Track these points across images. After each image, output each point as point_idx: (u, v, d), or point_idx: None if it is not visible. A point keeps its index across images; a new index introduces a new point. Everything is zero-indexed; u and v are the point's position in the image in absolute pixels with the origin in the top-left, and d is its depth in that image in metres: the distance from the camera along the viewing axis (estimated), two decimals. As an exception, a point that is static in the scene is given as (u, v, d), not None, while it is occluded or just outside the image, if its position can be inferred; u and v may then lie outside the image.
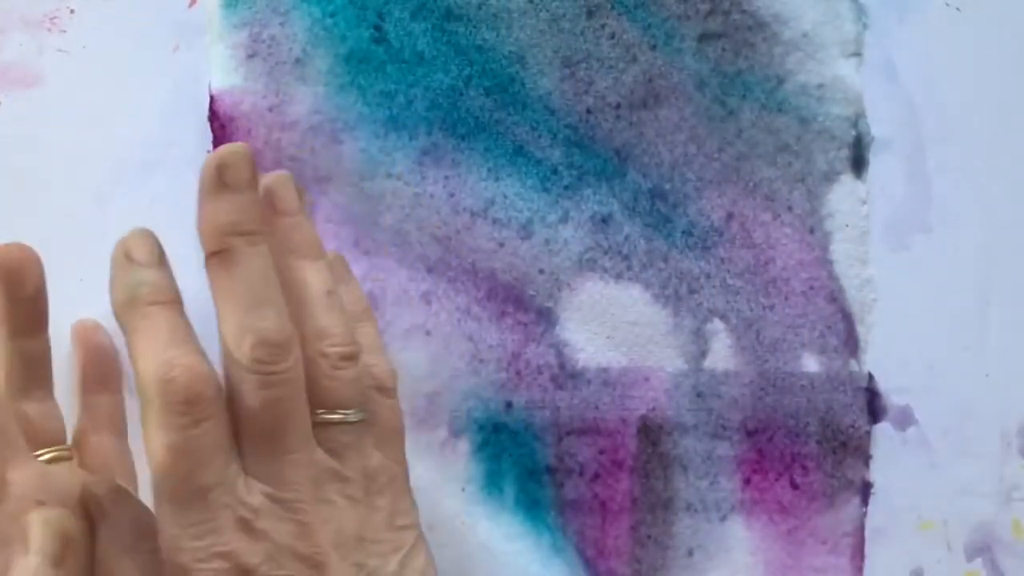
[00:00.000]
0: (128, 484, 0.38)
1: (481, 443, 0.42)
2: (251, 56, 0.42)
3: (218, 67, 0.42)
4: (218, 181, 0.33)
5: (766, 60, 0.42)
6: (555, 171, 0.42)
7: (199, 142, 0.42)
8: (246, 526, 0.31)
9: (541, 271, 0.42)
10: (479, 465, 0.42)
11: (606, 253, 0.42)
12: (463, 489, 0.42)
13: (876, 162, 0.42)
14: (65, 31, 0.42)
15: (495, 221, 0.42)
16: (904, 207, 0.42)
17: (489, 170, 0.42)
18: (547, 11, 0.42)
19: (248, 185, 0.33)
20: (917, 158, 0.42)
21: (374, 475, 0.34)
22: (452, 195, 0.42)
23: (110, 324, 0.40)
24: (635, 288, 0.42)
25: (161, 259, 0.33)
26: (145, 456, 0.31)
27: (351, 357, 0.34)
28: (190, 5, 0.42)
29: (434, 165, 0.42)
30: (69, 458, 0.35)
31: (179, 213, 0.43)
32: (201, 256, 0.42)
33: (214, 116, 0.42)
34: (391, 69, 0.42)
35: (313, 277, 0.34)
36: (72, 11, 0.42)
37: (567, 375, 0.42)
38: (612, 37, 0.42)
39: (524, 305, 0.42)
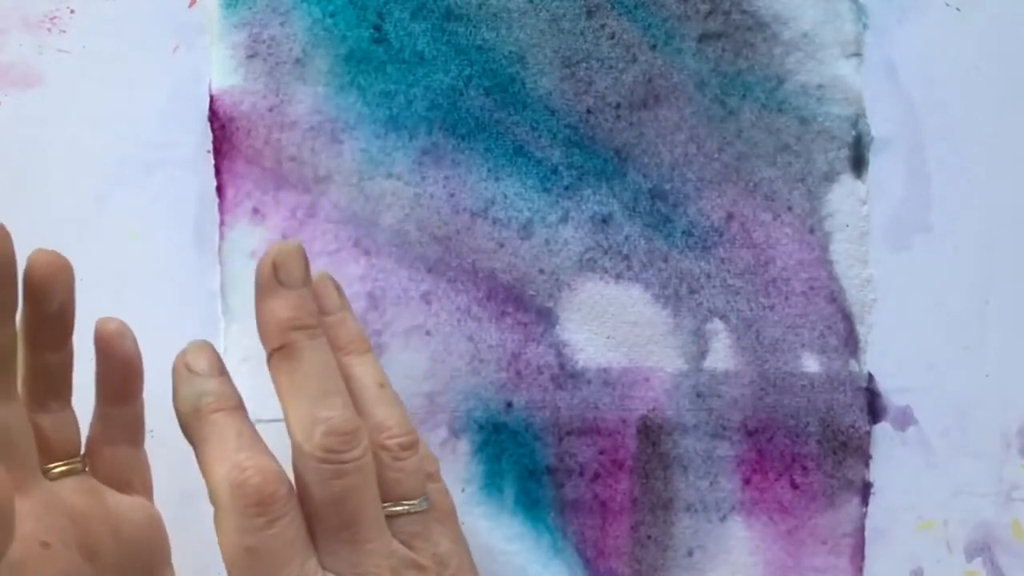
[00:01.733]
0: (143, 495, 0.38)
1: (481, 443, 0.42)
2: (251, 56, 0.42)
3: (218, 67, 0.42)
4: (274, 279, 0.34)
5: (766, 60, 0.42)
6: (555, 171, 0.42)
7: (199, 142, 0.42)
8: None
9: (541, 271, 0.42)
10: (479, 465, 0.42)
11: (606, 253, 0.42)
12: (463, 489, 0.42)
13: (876, 162, 0.42)
14: (65, 31, 0.42)
15: (495, 221, 0.42)
16: (904, 207, 0.42)
17: (489, 170, 0.42)
18: (547, 11, 0.42)
19: (303, 282, 0.34)
20: (917, 158, 0.42)
21: (446, 561, 0.35)
22: (452, 195, 0.42)
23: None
24: (635, 288, 0.42)
25: (221, 368, 0.34)
26: (222, 557, 0.32)
27: (411, 447, 0.35)
28: (190, 5, 0.42)
29: (434, 165, 0.42)
30: (82, 470, 0.35)
31: (179, 213, 0.43)
32: (199, 254, 0.43)
33: (214, 116, 0.42)
34: (391, 69, 0.42)
35: (363, 371, 0.35)
36: (72, 11, 0.42)
37: (567, 375, 0.42)
38: (612, 37, 0.42)
39: (524, 305, 0.42)
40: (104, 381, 0.36)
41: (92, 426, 0.36)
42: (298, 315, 0.34)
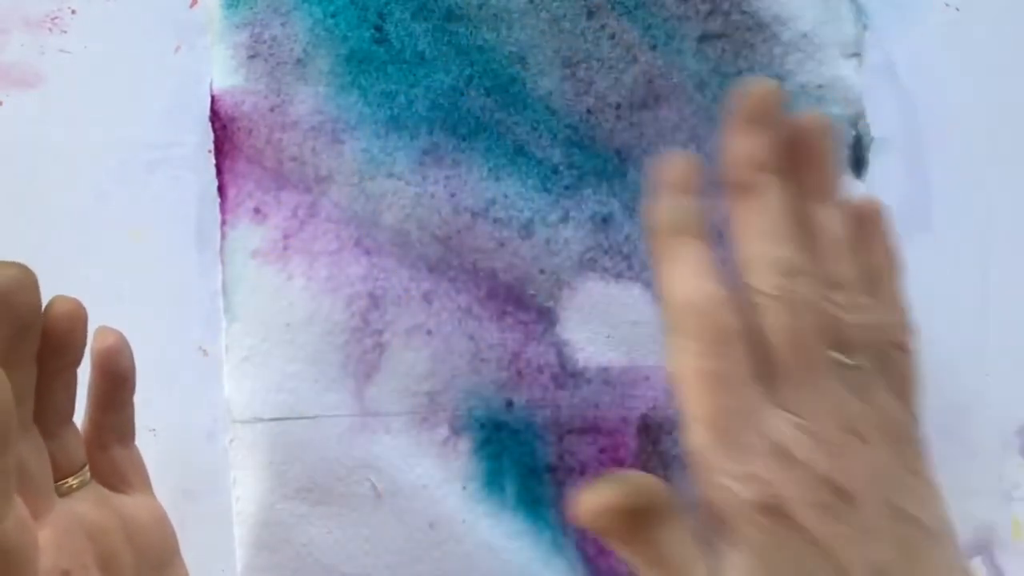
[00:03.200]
0: (143, 491, 0.38)
1: (482, 442, 0.42)
2: (252, 56, 0.42)
3: (219, 67, 0.42)
4: (754, 117, 0.34)
5: (766, 61, 0.42)
6: (556, 171, 0.42)
7: (200, 142, 0.42)
8: (779, 454, 0.31)
9: (542, 271, 0.42)
10: (480, 463, 0.42)
11: (606, 253, 0.42)
12: (464, 487, 0.42)
13: (876, 162, 0.42)
14: (66, 31, 0.42)
15: (496, 221, 0.42)
16: (904, 207, 0.42)
17: (490, 170, 0.42)
18: (548, 12, 0.42)
19: (776, 121, 0.34)
20: (917, 158, 0.42)
21: (890, 421, 0.33)
22: (453, 195, 0.42)
23: (119, 322, 0.40)
24: (635, 287, 0.42)
25: (699, 189, 0.34)
26: (671, 375, 0.32)
27: (862, 305, 0.33)
28: (191, 5, 0.42)
29: (435, 165, 0.42)
30: (90, 480, 0.36)
31: (180, 212, 0.43)
32: (201, 253, 0.43)
33: (215, 116, 0.42)
34: (392, 69, 0.42)
35: (829, 222, 0.34)
36: (73, 11, 0.42)
37: (568, 374, 0.42)
38: (612, 38, 0.42)
39: (525, 304, 0.42)
40: (98, 391, 0.36)
41: (85, 430, 0.37)
42: (767, 156, 0.34)
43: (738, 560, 0.30)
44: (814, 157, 0.35)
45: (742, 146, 0.34)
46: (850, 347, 0.33)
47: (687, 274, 0.32)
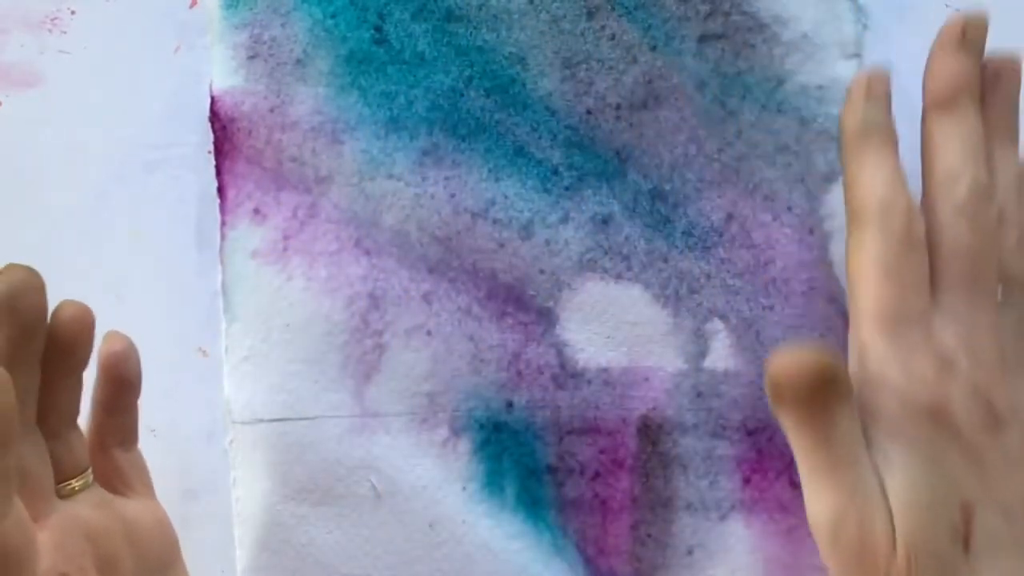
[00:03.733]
0: (145, 494, 0.38)
1: (482, 442, 0.42)
2: (252, 57, 0.42)
3: (219, 68, 0.42)
4: (961, 40, 0.35)
5: (766, 61, 0.42)
6: (555, 172, 0.42)
7: (200, 142, 0.42)
8: (944, 362, 0.32)
9: (541, 271, 0.42)
10: (480, 464, 0.42)
11: (606, 253, 0.42)
12: (464, 488, 0.42)
13: (876, 162, 0.42)
14: (66, 32, 0.42)
15: (496, 221, 0.42)
16: (904, 207, 0.42)
17: (490, 171, 0.42)
18: (547, 12, 0.42)
19: (981, 51, 0.35)
20: (917, 158, 0.42)
21: None
22: (453, 195, 0.42)
23: (119, 322, 0.40)
24: (635, 288, 0.42)
25: (890, 101, 0.36)
26: (848, 272, 0.34)
27: None
28: (191, 6, 0.42)
29: (435, 166, 0.42)
30: (93, 482, 0.36)
31: (180, 213, 0.43)
32: (200, 254, 0.43)
33: (215, 117, 0.42)
34: (392, 70, 0.42)
35: (1004, 162, 0.35)
36: (73, 12, 0.42)
37: (568, 375, 0.42)
38: (612, 38, 0.42)
39: (525, 305, 0.42)
40: (103, 395, 0.37)
41: (88, 433, 0.37)
42: (970, 80, 0.35)
43: (903, 459, 0.31)
44: (1004, 96, 0.36)
45: (949, 65, 0.35)
46: (1012, 284, 0.34)
47: (879, 174, 0.34)
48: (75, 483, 0.35)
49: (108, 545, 0.34)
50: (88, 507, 0.34)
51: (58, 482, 0.34)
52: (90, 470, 0.36)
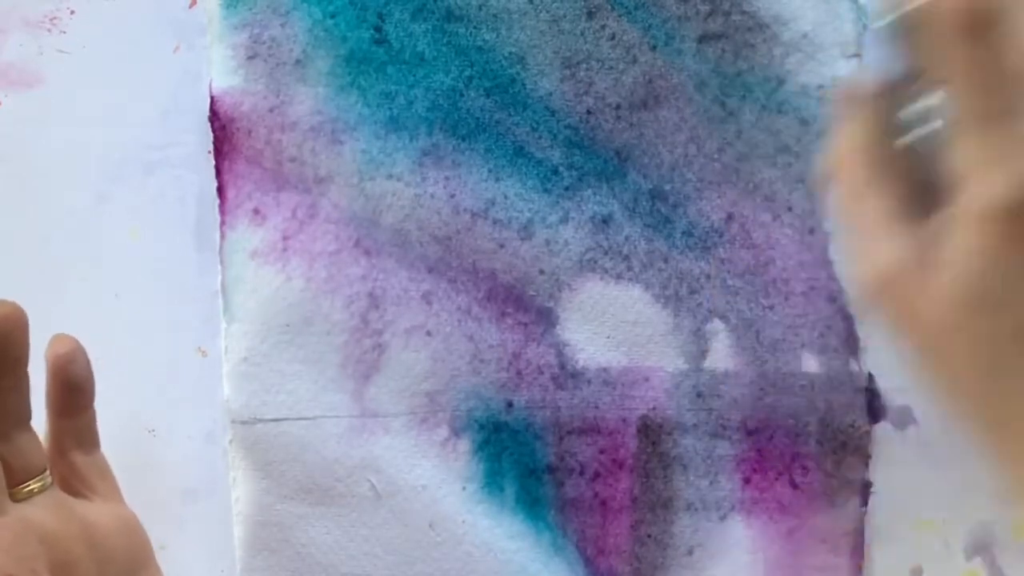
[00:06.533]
0: (109, 497, 0.38)
1: (482, 442, 0.42)
2: (251, 57, 0.41)
3: (218, 68, 0.42)
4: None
5: (766, 61, 0.42)
6: (555, 172, 0.42)
7: (200, 143, 0.42)
8: None
9: (541, 271, 0.42)
10: (480, 464, 0.42)
11: (606, 253, 0.42)
12: (464, 488, 0.42)
13: (876, 162, 0.42)
14: (65, 32, 0.42)
15: (496, 222, 0.42)
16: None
17: (490, 171, 0.42)
18: (547, 12, 0.42)
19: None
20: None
21: None
22: (453, 196, 0.42)
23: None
24: (635, 288, 0.42)
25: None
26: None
27: None
28: (190, 6, 0.42)
29: (434, 166, 0.42)
30: (51, 484, 0.35)
31: (180, 213, 0.43)
32: (200, 254, 0.43)
33: (215, 117, 0.42)
34: (391, 70, 0.42)
35: None
36: (72, 12, 0.42)
37: (567, 375, 0.42)
38: (612, 38, 0.42)
39: (524, 305, 0.42)
40: (53, 397, 0.37)
41: (46, 437, 0.37)
42: None
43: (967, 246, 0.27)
44: None
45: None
46: None
47: None
48: (34, 485, 0.34)
49: (65, 548, 0.34)
50: (44, 510, 0.34)
51: (13, 485, 0.34)
52: (47, 472, 0.35)
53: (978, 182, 0.26)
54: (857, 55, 0.42)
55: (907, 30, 0.29)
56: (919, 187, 0.29)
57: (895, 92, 0.30)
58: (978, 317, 0.27)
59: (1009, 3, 0.27)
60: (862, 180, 0.29)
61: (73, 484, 0.37)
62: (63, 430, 0.37)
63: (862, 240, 0.28)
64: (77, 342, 0.36)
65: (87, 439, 0.38)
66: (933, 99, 0.29)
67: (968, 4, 0.26)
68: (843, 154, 0.29)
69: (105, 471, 0.38)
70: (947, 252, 0.27)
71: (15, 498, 0.34)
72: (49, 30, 0.42)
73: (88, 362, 0.37)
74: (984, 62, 0.27)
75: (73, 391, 0.37)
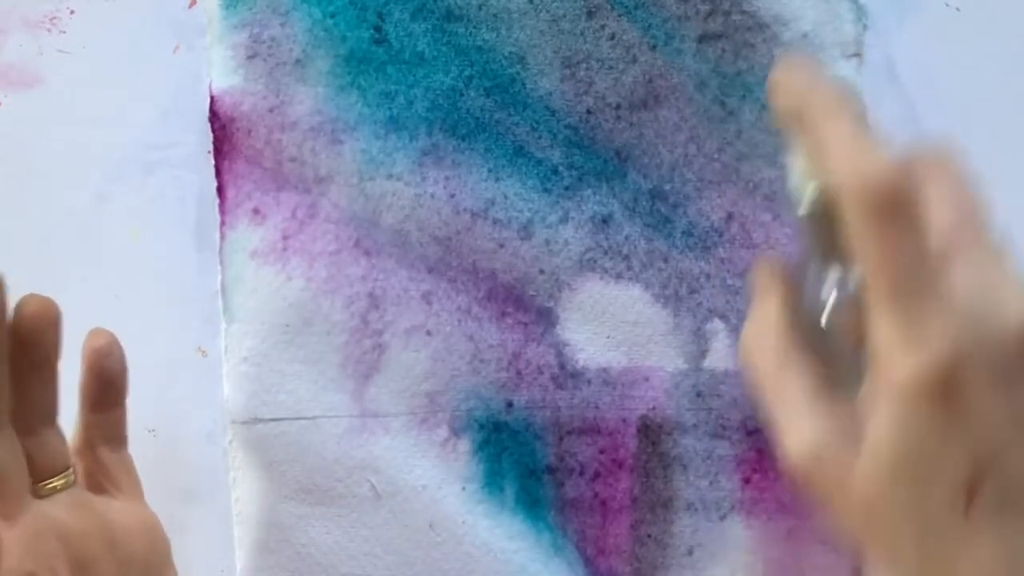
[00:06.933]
0: (132, 496, 0.38)
1: (482, 442, 0.42)
2: (251, 57, 0.42)
3: (218, 68, 0.42)
4: None
5: (766, 61, 0.42)
6: (555, 171, 0.42)
7: (199, 142, 0.42)
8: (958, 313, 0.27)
9: (541, 271, 0.42)
10: (480, 464, 0.42)
11: (606, 253, 0.42)
12: (464, 488, 0.42)
13: (876, 162, 0.42)
14: (65, 32, 0.42)
15: (495, 221, 0.42)
16: (904, 207, 0.42)
17: (489, 171, 0.42)
18: (547, 12, 0.42)
19: None
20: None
21: None
22: (452, 195, 0.42)
23: (119, 322, 0.40)
24: (635, 288, 0.42)
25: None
26: None
27: None
28: (190, 6, 0.42)
29: (434, 166, 0.42)
30: (74, 482, 0.35)
31: (180, 213, 0.43)
32: (200, 254, 0.43)
33: (214, 117, 0.42)
34: (391, 70, 0.42)
35: None
36: (72, 12, 0.42)
37: (567, 375, 0.42)
38: (612, 38, 0.42)
39: (524, 305, 0.42)
40: (88, 391, 0.36)
41: (76, 431, 0.37)
42: None
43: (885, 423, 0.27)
44: None
45: None
46: None
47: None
48: (57, 482, 0.34)
49: (84, 546, 0.34)
50: (65, 507, 0.34)
51: (37, 481, 0.34)
52: (72, 470, 0.35)
53: (896, 360, 0.26)
54: (857, 55, 0.42)
55: (824, 210, 0.28)
56: (839, 363, 0.29)
57: (811, 270, 0.30)
58: (906, 490, 0.27)
59: (920, 181, 0.27)
60: (780, 360, 0.29)
61: (98, 480, 0.37)
62: (93, 424, 0.37)
63: (784, 420, 0.29)
64: (113, 336, 0.36)
65: (116, 435, 0.38)
66: (850, 277, 0.29)
67: (878, 185, 0.27)
68: (760, 334, 0.30)
69: (131, 470, 0.38)
70: (870, 429, 0.27)
71: (38, 494, 0.34)
72: (49, 30, 0.42)
73: (123, 357, 0.36)
74: (897, 241, 0.27)
75: (107, 385, 0.36)
